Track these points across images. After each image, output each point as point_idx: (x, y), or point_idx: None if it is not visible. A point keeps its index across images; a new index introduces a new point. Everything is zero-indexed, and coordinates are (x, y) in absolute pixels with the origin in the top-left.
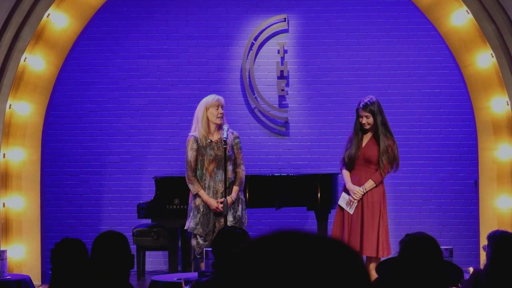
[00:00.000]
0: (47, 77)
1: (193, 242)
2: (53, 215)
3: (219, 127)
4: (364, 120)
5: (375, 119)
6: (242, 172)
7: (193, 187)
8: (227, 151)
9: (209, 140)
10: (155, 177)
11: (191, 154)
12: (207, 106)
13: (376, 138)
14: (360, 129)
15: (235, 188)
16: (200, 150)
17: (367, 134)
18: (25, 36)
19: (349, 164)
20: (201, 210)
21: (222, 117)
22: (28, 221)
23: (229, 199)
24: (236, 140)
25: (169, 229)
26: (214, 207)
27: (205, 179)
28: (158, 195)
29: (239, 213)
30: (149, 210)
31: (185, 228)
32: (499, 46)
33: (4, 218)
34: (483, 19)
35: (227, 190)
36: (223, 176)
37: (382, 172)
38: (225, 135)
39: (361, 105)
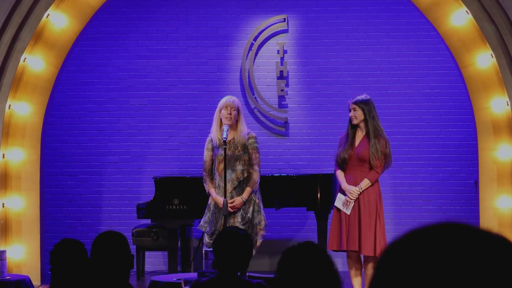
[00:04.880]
0: (47, 77)
1: (204, 240)
2: (52, 215)
3: (234, 127)
4: (351, 113)
5: (365, 117)
6: (255, 173)
7: (205, 186)
8: (226, 151)
9: (223, 140)
10: (155, 177)
11: (206, 154)
12: (220, 107)
13: (368, 137)
14: (351, 127)
15: (247, 189)
16: (214, 150)
17: (359, 134)
18: (25, 37)
19: (343, 164)
20: (211, 209)
21: (229, 119)
22: (28, 221)
23: (239, 199)
24: (251, 140)
25: (169, 229)
26: (221, 206)
27: (215, 179)
28: (158, 195)
29: (249, 214)
30: (149, 210)
31: (198, 227)
32: (498, 46)
33: (3, 218)
34: (483, 19)
35: (234, 190)
36: (231, 175)
37: (377, 170)
38: (224, 135)
39: (351, 99)
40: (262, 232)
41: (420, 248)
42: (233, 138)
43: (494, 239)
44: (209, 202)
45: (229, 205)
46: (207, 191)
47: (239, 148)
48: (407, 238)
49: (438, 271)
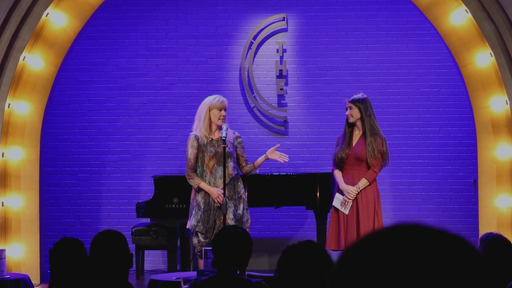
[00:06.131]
0: (46, 76)
1: (194, 240)
2: (52, 214)
3: (221, 126)
4: (347, 112)
5: (361, 115)
6: (248, 165)
7: (193, 181)
8: (225, 150)
9: (210, 138)
10: (154, 176)
11: (191, 152)
12: (211, 107)
13: (365, 136)
14: (348, 126)
15: (260, 159)
16: (200, 148)
17: (356, 133)
18: (24, 35)
19: (340, 163)
20: (202, 207)
21: (224, 119)
22: (27, 220)
23: (265, 156)
24: (239, 140)
25: (168, 228)
26: (216, 196)
27: (205, 176)
28: (157, 194)
29: (240, 211)
30: (148, 209)
31: (187, 227)
32: (498, 45)
33: (3, 217)
34: (482, 18)
35: (227, 187)
36: (223, 172)
37: (374, 170)
38: (224, 134)
39: (348, 98)
40: (247, 231)
41: (374, 250)
42: (220, 136)
43: (452, 240)
44: (198, 201)
45: (221, 196)
46: (196, 186)
47: (228, 146)
48: (363, 241)
49: (393, 272)
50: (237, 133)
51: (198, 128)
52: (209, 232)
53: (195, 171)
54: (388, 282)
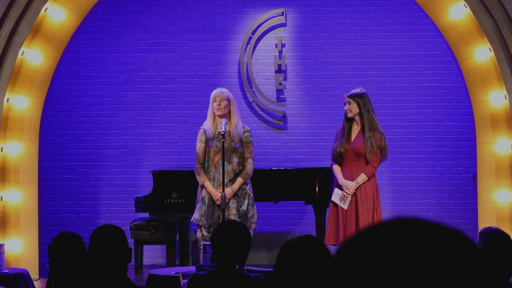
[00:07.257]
0: (45, 71)
1: (198, 234)
2: (50, 208)
3: (228, 119)
4: (346, 107)
5: (360, 110)
6: (249, 165)
7: (199, 178)
8: (224, 145)
9: (217, 132)
10: (153, 170)
11: (199, 146)
12: (211, 100)
13: (363, 131)
14: (347, 121)
15: (238, 180)
16: (208, 142)
17: (355, 128)
18: (23, 30)
19: (339, 158)
20: (206, 201)
21: (220, 109)
22: (26, 214)
23: (229, 190)
24: (246, 134)
25: (167, 222)
26: (217, 199)
27: (210, 170)
28: (156, 189)
29: (244, 207)
30: (147, 204)
31: (191, 220)
32: (497, 40)
33: (2, 212)
34: (481, 13)
35: (230, 182)
36: (228, 167)
37: (373, 165)
38: (222, 129)
39: (346, 92)
40: (254, 226)
41: (371, 244)
42: (229, 131)
43: (449, 233)
44: (202, 195)
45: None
46: (200, 183)
47: (235, 141)
48: (360, 235)
49: (389, 266)
50: (246, 127)
51: (207, 123)
52: (212, 226)
53: (203, 165)
54: (385, 276)
